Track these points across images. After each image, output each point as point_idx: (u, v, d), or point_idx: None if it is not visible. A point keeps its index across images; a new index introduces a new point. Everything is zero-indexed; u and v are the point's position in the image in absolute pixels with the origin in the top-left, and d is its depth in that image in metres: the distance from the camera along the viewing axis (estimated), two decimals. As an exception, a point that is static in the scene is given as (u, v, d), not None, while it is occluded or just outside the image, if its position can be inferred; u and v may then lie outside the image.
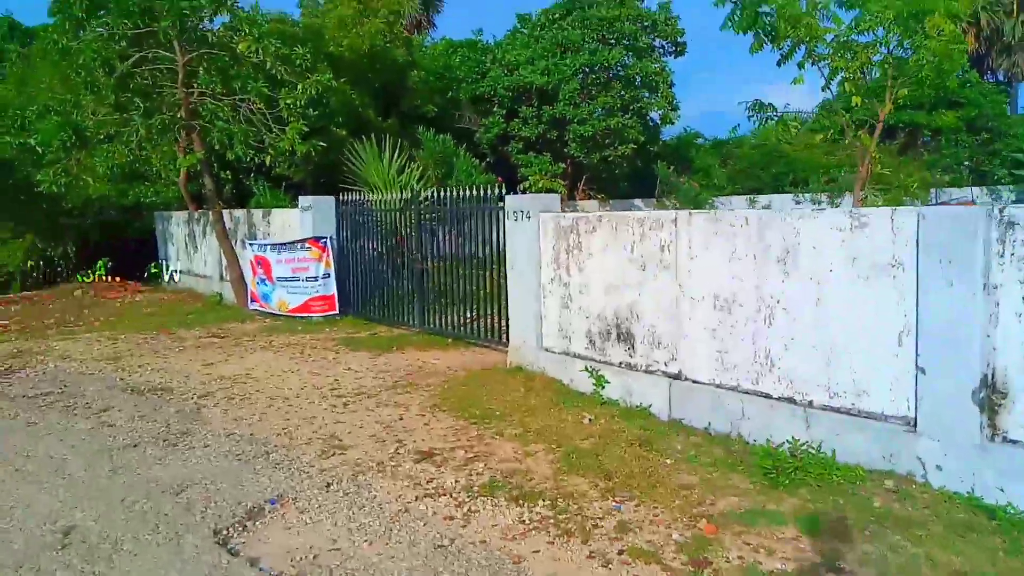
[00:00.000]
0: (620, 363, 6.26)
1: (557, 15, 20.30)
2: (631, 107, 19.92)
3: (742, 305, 5.26)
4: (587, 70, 18.89)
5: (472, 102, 21.08)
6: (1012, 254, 3.93)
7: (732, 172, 27.46)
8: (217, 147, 11.47)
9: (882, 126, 7.76)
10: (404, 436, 5.57)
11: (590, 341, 6.55)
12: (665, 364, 5.87)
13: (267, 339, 9.79)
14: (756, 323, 5.18)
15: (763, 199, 25.00)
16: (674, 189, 20.11)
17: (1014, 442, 3.99)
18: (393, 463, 4.99)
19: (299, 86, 10.65)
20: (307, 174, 18.93)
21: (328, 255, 11.06)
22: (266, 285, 11.83)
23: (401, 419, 6.00)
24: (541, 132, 19.54)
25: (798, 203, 26.21)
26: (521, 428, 5.61)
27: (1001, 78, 40.61)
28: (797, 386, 4.97)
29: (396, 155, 12.29)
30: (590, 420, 5.71)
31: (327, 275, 11.10)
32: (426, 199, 9.57)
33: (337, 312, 11.09)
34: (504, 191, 8.41)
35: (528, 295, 7.13)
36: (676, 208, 21.34)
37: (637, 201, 22.95)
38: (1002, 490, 3.98)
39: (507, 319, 7.81)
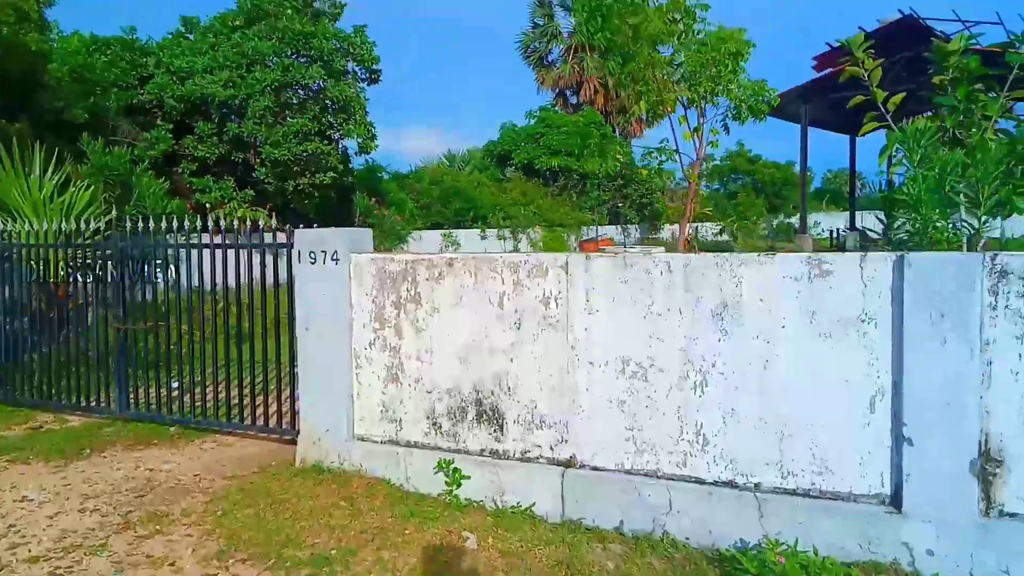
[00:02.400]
0: (483, 450, 4.78)
1: (238, 23, 17.66)
2: (327, 132, 18.18)
3: (663, 371, 4.26)
4: (278, 87, 16.63)
5: (126, 112, 17.14)
6: (1007, 306, 3.57)
7: (418, 207, 27.28)
8: None
9: (699, 167, 7.62)
10: (204, 628, 3.33)
11: (433, 424, 4.94)
12: (552, 448, 4.58)
13: None
14: (683, 392, 4.22)
15: (454, 233, 25.19)
16: (376, 222, 18.82)
17: (1012, 515, 3.61)
18: None
19: None
20: None
21: (-57, 312, 7.35)
22: None
23: (177, 590, 3.68)
24: (223, 152, 16.65)
25: (483, 238, 27.08)
26: (390, 575, 3.79)
27: (617, 133, 47.87)
28: (740, 467, 4.12)
29: (51, 171, 8.87)
30: (476, 541, 4.13)
31: (-59, 342, 7.36)
32: (134, 233, 6.79)
33: (-41, 397, 7.40)
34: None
35: (333, 365, 5.21)
36: (378, 242, 20.02)
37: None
38: (1006, 572, 3.56)
39: (289, 399, 5.73)
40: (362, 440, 5.20)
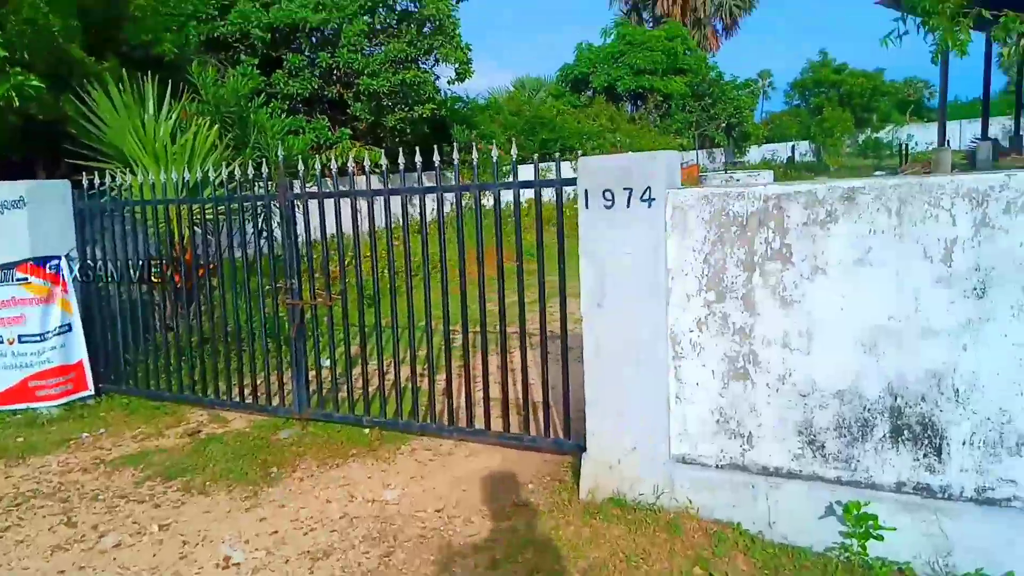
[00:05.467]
0: (902, 485, 3.13)
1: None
2: (421, 59, 16.31)
3: None
4: (371, 7, 14.77)
5: (208, 47, 15.59)
6: None
7: (504, 140, 25.36)
8: None
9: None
10: None
11: (810, 442, 3.30)
12: (1044, 488, 2.90)
13: (-37, 480, 4.73)
14: None
15: (550, 167, 23.36)
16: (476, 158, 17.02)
17: None
18: None
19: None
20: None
21: (66, 290, 6.03)
22: (-77, 354, 6.29)
23: None
24: (315, 88, 15.01)
25: (575, 171, 25.09)
26: None
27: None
28: None
29: (165, 110, 7.37)
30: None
31: (66, 327, 6.05)
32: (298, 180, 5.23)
33: (91, 392, 6.14)
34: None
35: (642, 355, 3.59)
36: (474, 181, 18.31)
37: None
38: None
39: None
40: (684, 463, 3.61)
